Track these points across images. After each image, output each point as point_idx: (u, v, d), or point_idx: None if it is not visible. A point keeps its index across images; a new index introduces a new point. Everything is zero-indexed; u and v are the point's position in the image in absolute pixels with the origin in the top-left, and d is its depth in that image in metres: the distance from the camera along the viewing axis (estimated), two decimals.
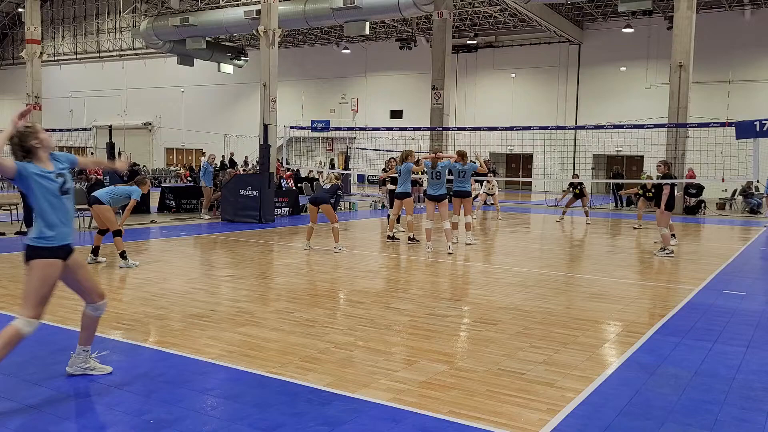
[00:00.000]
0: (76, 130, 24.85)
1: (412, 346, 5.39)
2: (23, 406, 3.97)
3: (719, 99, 29.37)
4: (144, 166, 38.28)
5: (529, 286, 8.36)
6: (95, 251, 9.04)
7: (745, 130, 13.00)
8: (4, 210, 14.74)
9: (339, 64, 41.17)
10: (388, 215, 13.14)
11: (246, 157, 33.61)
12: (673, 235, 12.03)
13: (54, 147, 4.28)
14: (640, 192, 15.45)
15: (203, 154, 17.17)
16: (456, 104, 35.38)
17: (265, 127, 16.68)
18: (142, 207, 16.94)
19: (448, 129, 24.38)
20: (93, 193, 8.97)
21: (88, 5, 43.10)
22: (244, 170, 24.66)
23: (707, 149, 18.90)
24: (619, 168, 30.62)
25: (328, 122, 33.32)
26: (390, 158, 15.76)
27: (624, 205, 23.74)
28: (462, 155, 11.76)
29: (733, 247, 12.68)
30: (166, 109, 46.38)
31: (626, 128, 19.74)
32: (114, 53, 42.52)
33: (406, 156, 12.14)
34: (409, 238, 12.02)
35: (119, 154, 21.95)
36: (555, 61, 35.25)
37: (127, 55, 42.35)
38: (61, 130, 28.45)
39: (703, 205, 21.53)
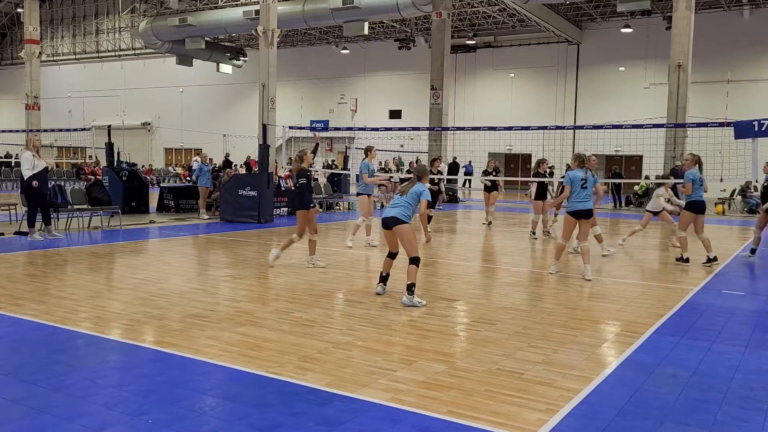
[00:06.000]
0: (75, 130, 24.78)
1: (410, 346, 5.39)
2: (23, 406, 3.97)
3: (718, 99, 29.36)
4: (143, 165, 38.25)
5: (529, 286, 8.37)
6: (385, 279, 7.35)
7: (744, 129, 13.02)
8: (3, 210, 14.72)
9: (338, 64, 41.16)
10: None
11: (248, 156, 33.56)
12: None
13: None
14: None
15: (197, 155, 17.16)
16: (455, 104, 35.37)
17: (264, 127, 16.70)
18: (141, 207, 16.95)
19: (447, 129, 24.40)
20: (388, 213, 6.93)
21: (87, 5, 43.07)
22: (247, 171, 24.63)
23: (706, 149, 18.83)
24: (617, 168, 30.60)
25: (327, 122, 33.25)
26: (541, 159, 14.23)
27: (623, 205, 23.76)
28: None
29: (732, 247, 12.68)
30: (165, 110, 46.35)
31: (625, 128, 19.74)
32: (113, 53, 42.50)
33: (367, 151, 12.40)
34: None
35: (118, 154, 21.92)
36: (554, 61, 35.26)
37: (126, 55, 42.33)
38: (60, 130, 28.52)
39: None
